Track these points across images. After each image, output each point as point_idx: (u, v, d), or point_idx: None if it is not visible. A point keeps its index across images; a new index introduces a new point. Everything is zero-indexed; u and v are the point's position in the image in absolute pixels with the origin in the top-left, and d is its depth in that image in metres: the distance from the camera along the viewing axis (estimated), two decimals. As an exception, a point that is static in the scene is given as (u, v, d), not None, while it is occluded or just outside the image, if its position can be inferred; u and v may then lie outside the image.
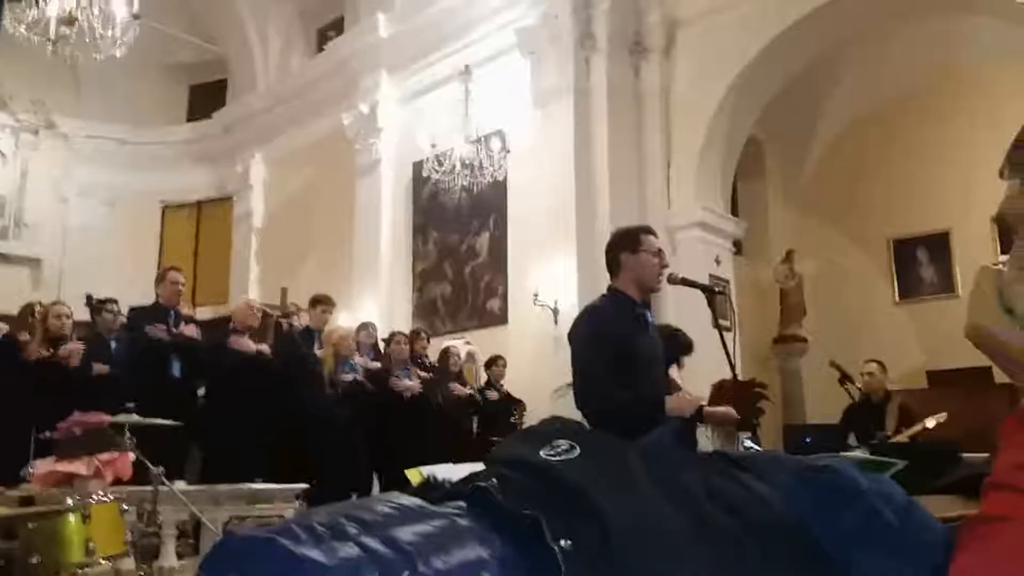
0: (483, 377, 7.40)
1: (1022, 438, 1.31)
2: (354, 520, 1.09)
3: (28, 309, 5.48)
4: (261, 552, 1.02)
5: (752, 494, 1.39)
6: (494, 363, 7.31)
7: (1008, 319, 1.35)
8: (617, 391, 2.93)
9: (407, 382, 6.25)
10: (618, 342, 3.00)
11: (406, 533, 1.08)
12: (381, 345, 7.17)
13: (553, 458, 1.30)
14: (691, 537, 1.19)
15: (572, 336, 3.17)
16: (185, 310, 6.11)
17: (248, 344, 5.72)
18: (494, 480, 1.22)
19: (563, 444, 1.33)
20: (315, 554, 1.00)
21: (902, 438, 5.86)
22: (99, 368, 5.44)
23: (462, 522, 1.13)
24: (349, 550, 1.03)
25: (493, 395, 7.06)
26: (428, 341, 7.43)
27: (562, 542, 1.10)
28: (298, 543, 1.02)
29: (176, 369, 5.46)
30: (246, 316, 5.95)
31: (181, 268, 5.97)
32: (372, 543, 1.05)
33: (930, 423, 5.83)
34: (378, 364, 6.55)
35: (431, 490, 1.30)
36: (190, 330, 5.57)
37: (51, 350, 5.24)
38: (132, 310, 5.81)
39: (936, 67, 9.59)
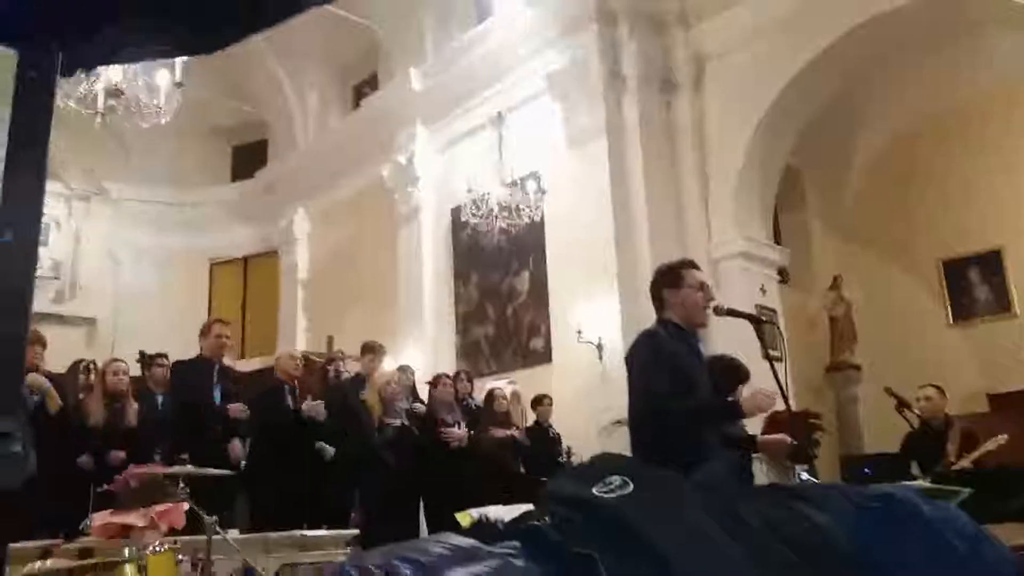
0: (531, 416, 7.34)
1: None
2: (409, 561, 1.08)
3: (78, 366, 5.59)
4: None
5: (812, 524, 1.35)
6: (540, 402, 7.24)
7: None
8: (684, 400, 2.89)
9: (456, 431, 6.22)
10: (678, 364, 2.98)
11: (460, 573, 1.07)
12: (421, 387, 7.19)
13: (607, 494, 1.28)
14: (750, 569, 1.16)
15: (630, 358, 3.14)
16: (227, 362, 6.18)
17: (318, 408, 5.76)
18: (547, 519, 1.21)
19: (616, 480, 1.31)
20: (371, 597, 1.00)
21: (964, 464, 5.66)
22: (236, 411, 5.47)
23: (517, 563, 1.12)
24: (404, 592, 1.02)
25: (519, 434, 6.96)
26: (471, 383, 7.42)
27: (620, 579, 1.08)
28: (354, 587, 1.02)
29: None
30: (288, 366, 6.01)
31: (227, 321, 6.03)
32: (427, 585, 1.04)
33: (991, 446, 5.63)
34: (422, 407, 6.56)
35: (484, 529, 1.29)
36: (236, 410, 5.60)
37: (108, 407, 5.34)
38: (176, 364, 5.89)
39: (977, 84, 9.46)
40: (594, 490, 1.32)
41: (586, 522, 1.22)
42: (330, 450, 5.89)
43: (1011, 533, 2.03)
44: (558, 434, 7.17)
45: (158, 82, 6.05)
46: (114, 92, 5.72)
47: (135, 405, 5.48)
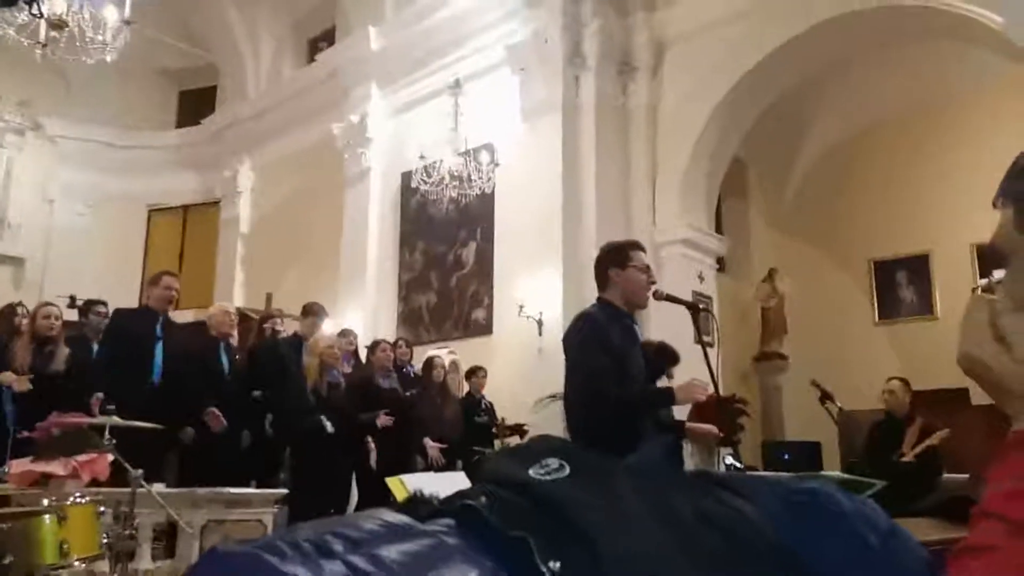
0: (465, 387, 7.37)
1: (1012, 467, 1.32)
2: (340, 537, 1.07)
3: (9, 309, 5.39)
4: (246, 568, 1.01)
5: (739, 515, 1.39)
6: (474, 374, 7.28)
7: (999, 348, 1.37)
8: (620, 387, 2.93)
9: (382, 418, 6.18)
10: (613, 348, 3.02)
11: (393, 552, 1.07)
12: (362, 352, 7.17)
13: (543, 477, 1.29)
14: (681, 560, 1.19)
15: (568, 339, 3.17)
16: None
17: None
18: (483, 498, 1.22)
19: (553, 463, 1.32)
20: (300, 571, 0.99)
21: (909, 457, 5.94)
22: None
23: (450, 541, 1.13)
24: (335, 568, 1.02)
25: (483, 419, 7.01)
26: (411, 350, 7.42)
27: (551, 564, 1.10)
28: (284, 560, 1.01)
29: (157, 373, 5.36)
30: (222, 323, 5.89)
31: (176, 274, 5.86)
32: (358, 561, 1.04)
33: (933, 440, 5.93)
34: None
35: (418, 506, 1.29)
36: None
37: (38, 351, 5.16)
38: (117, 312, 5.72)
39: (918, 93, 9.75)
40: (531, 472, 1.33)
41: (521, 504, 1.23)
42: (328, 425, 5.81)
43: (922, 529, 2.12)
44: (491, 404, 7.23)
45: (105, 14, 5.78)
46: (57, 23, 5.44)
47: (66, 350, 5.31)
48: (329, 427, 5.80)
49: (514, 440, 6.65)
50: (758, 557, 1.33)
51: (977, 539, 1.28)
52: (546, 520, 1.16)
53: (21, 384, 4.96)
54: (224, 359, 5.78)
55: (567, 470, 1.30)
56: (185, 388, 5.39)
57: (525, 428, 6.76)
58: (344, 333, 7.16)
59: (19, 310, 5.34)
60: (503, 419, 7.17)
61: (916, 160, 10.00)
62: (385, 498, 3.18)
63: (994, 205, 1.44)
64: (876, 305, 10.46)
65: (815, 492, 1.55)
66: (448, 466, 6.26)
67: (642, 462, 2.13)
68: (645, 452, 2.62)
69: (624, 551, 1.13)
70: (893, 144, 10.18)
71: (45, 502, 2.99)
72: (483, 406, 7.18)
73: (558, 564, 1.09)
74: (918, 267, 10.14)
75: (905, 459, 6.02)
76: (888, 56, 9.09)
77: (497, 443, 6.86)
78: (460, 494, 1.30)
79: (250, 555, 1.01)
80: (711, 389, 3.01)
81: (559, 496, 1.21)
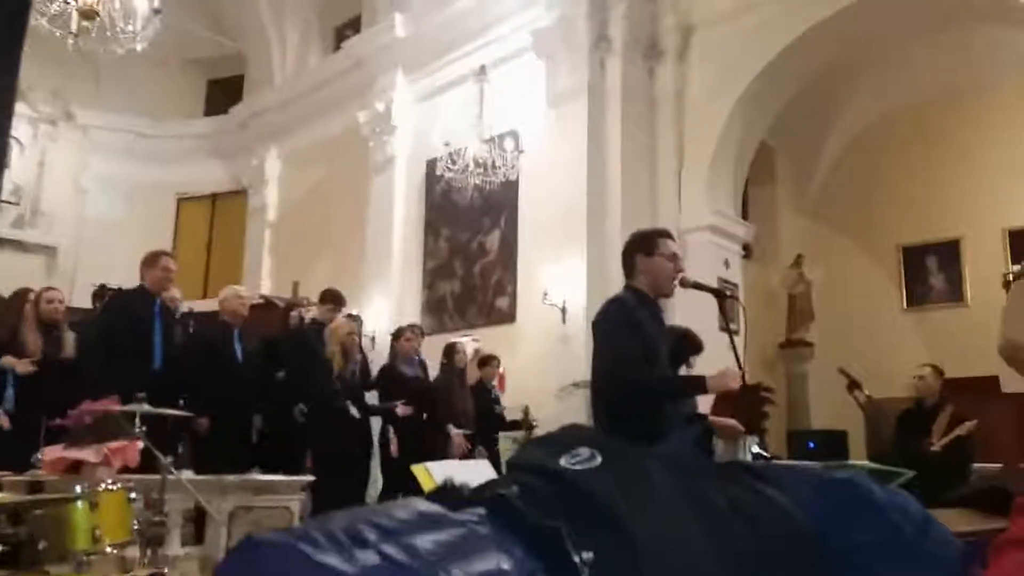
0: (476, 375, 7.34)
1: None
2: (374, 526, 1.09)
3: (23, 294, 5.43)
4: (280, 557, 1.02)
5: (772, 506, 1.39)
6: (487, 363, 7.16)
7: None
8: (651, 371, 2.92)
9: (400, 408, 6.20)
10: (643, 334, 3.01)
11: (426, 541, 1.08)
12: (384, 339, 7.15)
13: (575, 466, 1.29)
14: (716, 552, 1.19)
15: (597, 324, 3.15)
16: (175, 297, 5.91)
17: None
18: (515, 488, 1.22)
19: (584, 452, 1.32)
20: (335, 561, 1.00)
21: (937, 447, 5.86)
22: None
23: (482, 530, 1.13)
24: (369, 557, 1.03)
25: (500, 409, 7.01)
26: (422, 337, 7.35)
27: (584, 554, 1.10)
28: (318, 549, 1.02)
29: (158, 357, 5.26)
30: (234, 306, 5.73)
31: (174, 255, 5.70)
32: (392, 551, 1.05)
33: (961, 431, 5.85)
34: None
35: (450, 495, 1.29)
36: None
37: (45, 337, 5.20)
38: (113, 293, 5.64)
39: (949, 78, 9.57)
40: (561, 461, 1.34)
41: (553, 494, 1.23)
42: (354, 409, 5.82)
43: (954, 519, 2.10)
44: (498, 395, 7.21)
45: (135, 4, 5.81)
46: (88, 13, 5.47)
47: (72, 335, 5.32)
48: (354, 411, 5.82)
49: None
50: (791, 547, 1.33)
51: (1021, 531, 1.27)
52: (579, 510, 1.17)
53: (23, 367, 4.96)
54: (237, 346, 5.68)
55: (599, 459, 1.30)
56: (193, 375, 5.34)
57: (534, 423, 6.73)
58: (352, 318, 7.14)
59: (29, 295, 5.37)
60: (527, 407, 7.18)
61: (947, 145, 9.82)
62: (409, 485, 3.21)
63: None
64: (904, 292, 10.31)
65: (849, 482, 1.54)
66: (468, 454, 6.28)
67: (674, 452, 2.12)
68: (676, 442, 2.60)
69: (659, 542, 1.13)
70: (924, 129, 10.00)
71: (78, 488, 3.03)
72: (493, 395, 7.17)
73: (591, 555, 1.10)
74: (948, 253, 9.97)
75: (934, 448, 5.94)
76: (919, 40, 8.91)
77: (503, 434, 6.84)
78: (491, 483, 1.30)
79: (285, 544, 1.02)
80: (740, 376, 2.98)
81: (592, 486, 1.21)
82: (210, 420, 5.29)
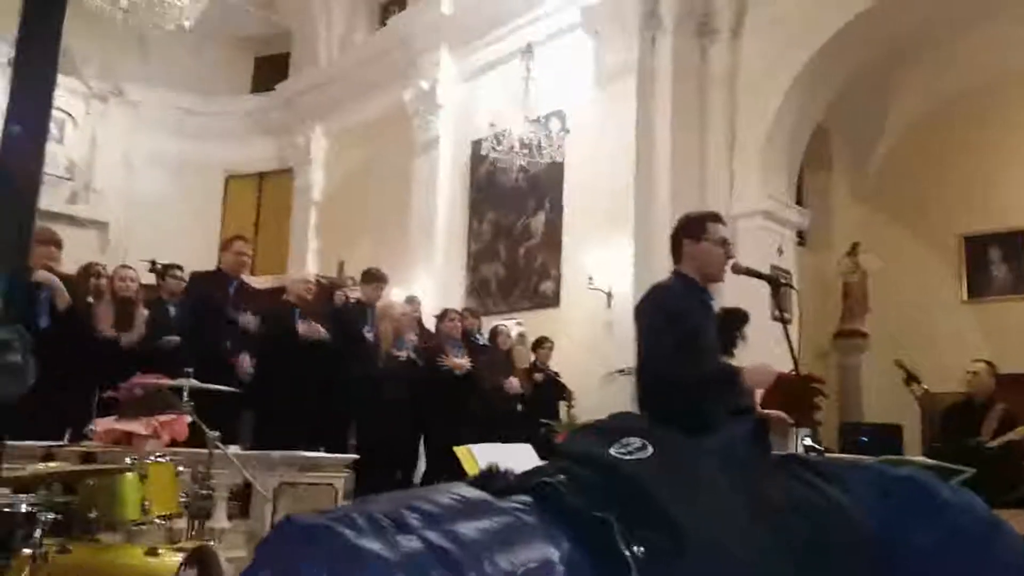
0: (531, 358, 7.35)
1: None
2: (417, 511, 1.04)
3: (90, 269, 5.55)
4: (320, 540, 0.98)
5: (832, 505, 1.31)
6: (540, 345, 7.25)
7: None
8: (688, 366, 2.84)
9: (456, 360, 6.23)
10: (688, 322, 2.92)
11: (470, 529, 1.03)
12: (428, 320, 7.20)
13: (625, 456, 1.23)
14: (771, 549, 1.11)
15: (640, 311, 3.08)
16: (247, 279, 6.15)
17: (317, 330, 5.77)
18: (562, 477, 1.16)
19: (635, 442, 1.26)
20: (376, 547, 0.96)
21: (993, 444, 5.66)
22: (169, 340, 5.38)
23: (527, 519, 1.08)
24: (412, 544, 0.98)
25: (539, 377, 7.01)
26: (479, 319, 7.42)
27: (635, 548, 1.04)
28: (359, 534, 0.97)
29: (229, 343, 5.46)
30: (300, 290, 6.04)
31: (248, 239, 6.01)
32: (435, 537, 1.00)
33: (1015, 436, 5.61)
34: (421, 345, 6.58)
35: (494, 481, 1.24)
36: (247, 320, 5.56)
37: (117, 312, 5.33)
38: (193, 275, 5.87)
39: (1010, 61, 9.17)
40: (611, 451, 1.27)
41: (602, 484, 1.17)
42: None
43: (1019, 521, 1.99)
44: (556, 374, 7.19)
45: (184, -18, 5.87)
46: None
47: (144, 312, 5.46)
48: (391, 394, 5.85)
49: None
50: (850, 548, 1.25)
51: None
52: (628, 501, 1.10)
53: (61, 299, 4.85)
54: (298, 325, 5.86)
55: (650, 450, 1.24)
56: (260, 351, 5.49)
57: (572, 407, 6.71)
58: (410, 300, 7.21)
59: (100, 271, 5.49)
60: (570, 392, 7.15)
61: (1010, 130, 9.44)
62: (452, 467, 3.18)
63: None
64: (965, 283, 9.97)
65: (912, 480, 1.45)
66: (512, 438, 6.25)
67: (728, 444, 2.04)
68: (729, 434, 2.51)
69: (712, 541, 1.06)
70: (985, 113, 9.60)
71: (128, 460, 3.08)
72: (549, 375, 7.16)
73: (642, 549, 1.03)
74: (1012, 243, 9.60)
75: (990, 445, 5.72)
76: (979, 22, 8.54)
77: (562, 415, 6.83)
78: (537, 471, 1.25)
79: (325, 527, 0.98)
80: (779, 372, 2.89)
81: (643, 478, 1.15)
82: (272, 399, 5.41)
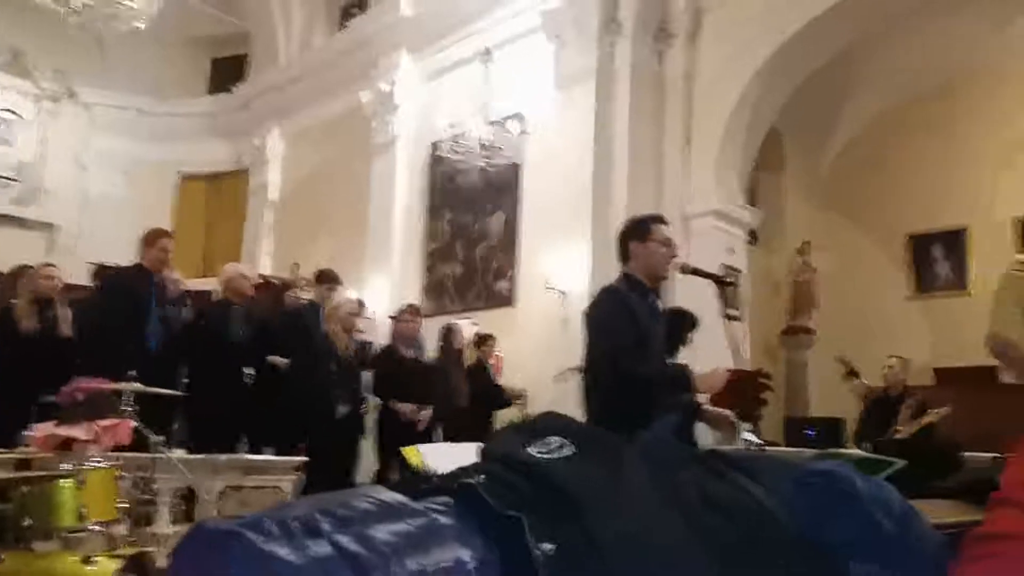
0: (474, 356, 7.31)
1: None
2: (329, 515, 1.04)
3: (21, 270, 5.40)
4: (228, 546, 0.98)
5: (751, 499, 1.34)
6: (484, 342, 7.17)
7: None
8: (643, 364, 2.90)
9: (405, 408, 6.07)
10: (636, 324, 2.98)
11: (382, 532, 1.04)
12: (384, 321, 7.14)
13: (543, 455, 1.25)
14: (684, 545, 1.14)
15: (591, 313, 3.13)
16: (174, 276, 5.76)
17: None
18: (481, 477, 1.18)
19: (555, 441, 1.28)
20: (284, 552, 0.96)
21: (904, 433, 5.83)
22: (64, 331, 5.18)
23: (443, 520, 1.09)
24: (321, 548, 0.99)
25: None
26: (419, 317, 7.27)
27: (544, 545, 1.06)
28: (268, 539, 0.98)
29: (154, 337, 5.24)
30: (241, 286, 5.72)
31: (172, 235, 5.69)
32: (346, 541, 1.00)
33: (932, 417, 5.82)
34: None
35: (417, 483, 1.25)
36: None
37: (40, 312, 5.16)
38: (112, 271, 5.63)
39: (959, 65, 9.43)
40: (530, 450, 1.29)
41: (517, 483, 1.18)
42: (340, 408, 5.77)
43: (941, 510, 2.06)
44: (494, 375, 7.22)
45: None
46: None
47: (69, 313, 5.29)
48: (341, 411, 5.72)
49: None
50: (767, 542, 1.28)
51: (994, 526, 1.23)
52: (542, 500, 1.12)
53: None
54: (235, 326, 5.62)
55: (569, 449, 1.26)
56: (192, 354, 5.32)
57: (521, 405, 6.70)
58: (359, 303, 7.14)
59: (29, 271, 5.33)
60: (523, 391, 7.16)
61: (956, 133, 9.71)
62: (403, 468, 3.18)
63: None
64: (912, 280, 10.25)
65: (830, 474, 1.49)
66: (460, 437, 6.21)
67: (650, 441, 2.08)
68: (655, 429, 2.57)
69: (623, 533, 1.08)
70: (933, 117, 9.87)
71: (65, 466, 3.03)
72: (490, 375, 7.14)
73: (552, 546, 1.05)
74: (954, 241, 9.91)
75: (899, 436, 5.90)
76: (928, 27, 8.77)
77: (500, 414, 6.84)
78: (459, 471, 1.26)
79: (233, 532, 0.98)
80: (727, 376, 2.96)
81: (558, 476, 1.17)
82: (207, 400, 5.27)
